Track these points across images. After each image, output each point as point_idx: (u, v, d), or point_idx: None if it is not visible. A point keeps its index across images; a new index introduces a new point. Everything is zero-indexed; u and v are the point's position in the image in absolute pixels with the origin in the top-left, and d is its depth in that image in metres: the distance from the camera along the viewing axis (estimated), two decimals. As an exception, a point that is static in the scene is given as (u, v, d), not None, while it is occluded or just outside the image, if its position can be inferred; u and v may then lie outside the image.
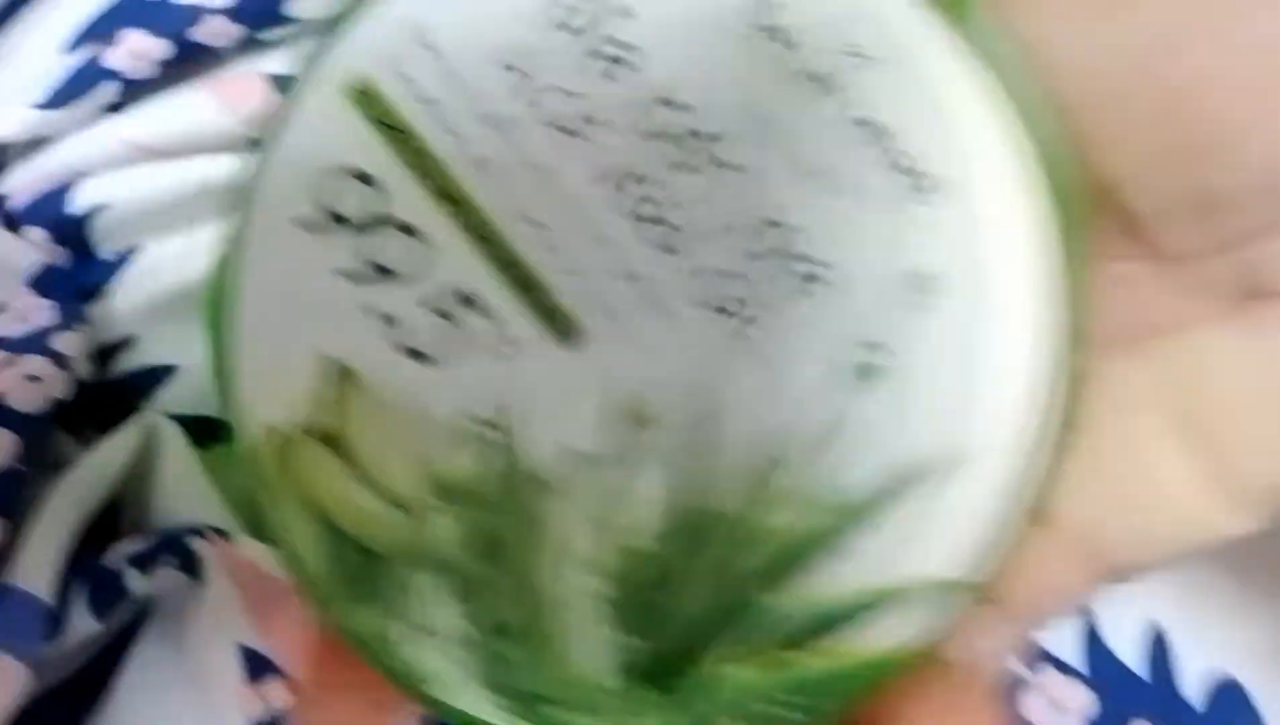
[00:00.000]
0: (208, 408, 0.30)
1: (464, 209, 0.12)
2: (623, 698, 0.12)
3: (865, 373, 0.12)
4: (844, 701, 0.12)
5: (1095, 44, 0.12)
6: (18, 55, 0.29)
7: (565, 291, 0.12)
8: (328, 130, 0.12)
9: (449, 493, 0.13)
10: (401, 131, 0.12)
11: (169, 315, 0.30)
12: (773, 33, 0.12)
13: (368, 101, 0.12)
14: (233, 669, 0.23)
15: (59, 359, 0.26)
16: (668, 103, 0.12)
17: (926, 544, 0.12)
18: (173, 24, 0.29)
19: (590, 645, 0.12)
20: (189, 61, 0.29)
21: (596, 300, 0.12)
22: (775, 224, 0.12)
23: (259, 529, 0.28)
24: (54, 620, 0.23)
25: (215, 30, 0.29)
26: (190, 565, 0.24)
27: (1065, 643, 0.27)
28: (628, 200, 0.12)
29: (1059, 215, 0.11)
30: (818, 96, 0.11)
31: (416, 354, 0.13)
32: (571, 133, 0.12)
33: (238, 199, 0.13)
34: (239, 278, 0.13)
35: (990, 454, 0.11)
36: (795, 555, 0.12)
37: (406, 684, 0.13)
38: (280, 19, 0.29)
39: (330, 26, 0.13)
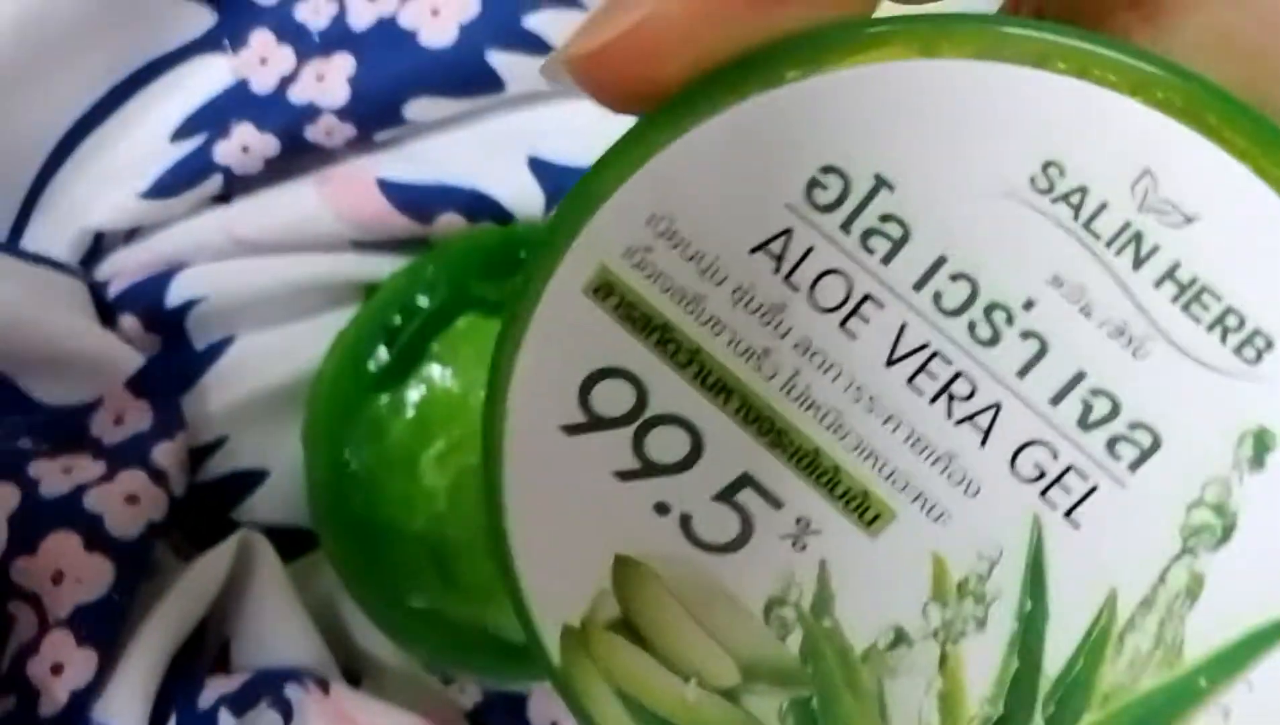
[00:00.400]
0: (297, 517, 0.29)
1: (738, 398, 0.12)
2: None
3: (1204, 533, 0.12)
4: None
5: None
6: (126, 139, 0.29)
7: (862, 474, 0.12)
8: (577, 332, 0.12)
9: (770, 676, 0.13)
10: (658, 326, 0.12)
11: (260, 415, 0.29)
12: (1061, 196, 0.11)
13: (615, 299, 0.12)
14: (328, 830, 0.22)
15: (157, 476, 0.25)
16: (952, 276, 0.11)
17: None
18: (286, 121, 0.28)
19: None
20: (298, 157, 0.28)
21: (899, 481, 0.12)
22: (1096, 391, 0.11)
23: (335, 645, 0.28)
24: (145, 762, 0.23)
25: (328, 128, 0.28)
26: (285, 709, 0.23)
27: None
28: (925, 379, 0.12)
29: None
30: (1123, 257, 0.11)
31: (709, 545, 0.12)
32: (852, 313, 0.12)
33: (485, 408, 0.13)
34: (506, 489, 0.13)
35: None
36: (1162, 716, 0.12)
37: None
38: (396, 121, 0.28)
39: (558, 224, 0.12)
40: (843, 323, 0.12)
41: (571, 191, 0.12)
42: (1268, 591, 0.11)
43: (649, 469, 0.12)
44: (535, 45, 0.28)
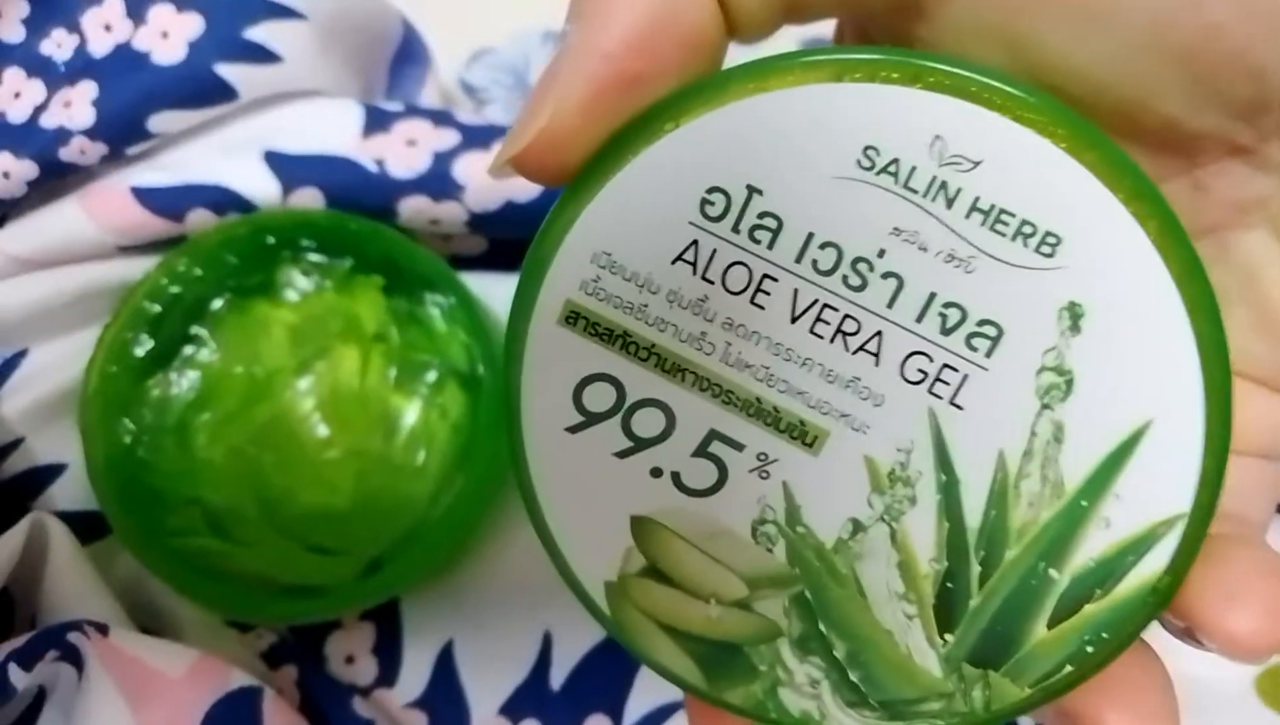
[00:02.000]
0: (94, 503, 0.32)
1: (691, 374, 0.15)
2: (958, 681, 0.16)
3: (1054, 390, 0.15)
4: (1132, 626, 0.15)
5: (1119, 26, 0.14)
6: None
7: (795, 409, 0.15)
8: (561, 354, 0.16)
9: (769, 583, 0.16)
10: (619, 335, 0.15)
11: (55, 415, 0.32)
12: (882, 169, 0.14)
13: (583, 323, 0.15)
14: (112, 755, 0.25)
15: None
16: (821, 245, 0.15)
17: (1154, 494, 0.15)
18: (40, 145, 0.30)
19: (917, 654, 0.16)
20: (58, 178, 0.31)
21: (824, 407, 0.15)
22: (947, 304, 0.15)
23: (142, 615, 0.30)
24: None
25: (81, 148, 0.31)
26: (73, 657, 0.26)
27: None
28: (821, 326, 0.15)
29: (1170, 235, 0.14)
30: (938, 202, 0.14)
31: (697, 492, 0.16)
32: (757, 291, 0.15)
33: (507, 420, 0.16)
34: (535, 486, 0.16)
35: (1175, 410, 0.15)
36: (1062, 537, 0.15)
37: None
38: (142, 135, 0.31)
39: (527, 279, 0.15)
40: (751, 300, 0.15)
41: (529, 253, 0.15)
42: (1110, 423, 0.15)
43: (639, 444, 0.16)
44: (258, 54, 0.31)
